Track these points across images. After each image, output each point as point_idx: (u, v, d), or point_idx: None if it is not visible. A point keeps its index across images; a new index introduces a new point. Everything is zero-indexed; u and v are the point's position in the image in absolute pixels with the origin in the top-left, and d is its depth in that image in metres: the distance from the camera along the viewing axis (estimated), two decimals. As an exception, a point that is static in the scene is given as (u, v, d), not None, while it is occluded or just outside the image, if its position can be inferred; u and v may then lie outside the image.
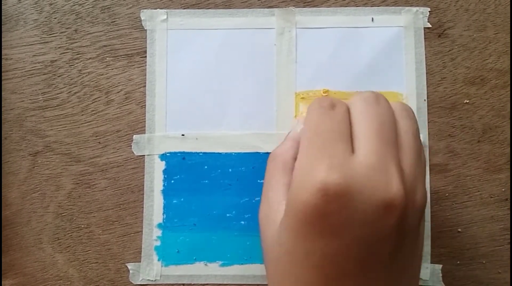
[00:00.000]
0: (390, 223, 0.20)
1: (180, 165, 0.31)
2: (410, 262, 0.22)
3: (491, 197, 0.30)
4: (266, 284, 0.30)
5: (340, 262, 0.20)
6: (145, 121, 0.31)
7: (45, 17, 0.32)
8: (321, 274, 0.20)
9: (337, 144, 0.21)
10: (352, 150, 0.21)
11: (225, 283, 0.30)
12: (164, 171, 0.31)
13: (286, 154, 0.24)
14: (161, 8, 0.32)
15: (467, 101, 0.31)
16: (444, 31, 0.31)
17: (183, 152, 0.31)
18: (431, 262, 0.30)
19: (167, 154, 0.31)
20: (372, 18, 0.31)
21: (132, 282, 0.30)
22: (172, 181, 0.31)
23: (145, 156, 0.31)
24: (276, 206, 0.23)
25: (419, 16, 0.31)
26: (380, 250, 0.20)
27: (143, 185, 0.31)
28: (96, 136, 0.31)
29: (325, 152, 0.20)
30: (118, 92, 0.31)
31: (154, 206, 0.30)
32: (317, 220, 0.20)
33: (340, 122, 0.21)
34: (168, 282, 0.30)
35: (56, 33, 0.32)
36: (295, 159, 0.23)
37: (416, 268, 0.23)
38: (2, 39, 0.32)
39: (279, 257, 0.22)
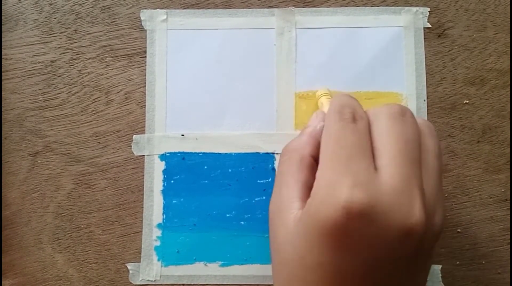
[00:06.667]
0: (408, 247, 0.20)
1: (180, 165, 0.31)
2: (420, 281, 0.22)
3: (491, 198, 0.30)
4: (266, 284, 0.30)
5: (352, 278, 0.20)
6: (145, 121, 0.31)
7: (45, 17, 0.32)
8: (332, 284, 0.20)
9: (360, 160, 0.20)
10: (375, 167, 0.20)
11: (225, 283, 0.30)
12: (164, 171, 0.31)
13: (303, 150, 0.23)
14: (161, 8, 0.32)
15: (467, 101, 0.31)
16: (444, 31, 0.31)
17: (183, 152, 0.31)
18: (431, 262, 0.30)
19: (167, 154, 0.31)
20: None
21: (132, 282, 0.30)
22: (172, 181, 0.31)
23: (145, 156, 0.31)
24: (288, 203, 0.22)
25: (419, 16, 0.31)
26: (393, 271, 0.20)
27: (143, 185, 0.31)
28: (96, 136, 0.31)
29: (349, 167, 0.20)
30: (118, 92, 0.31)
31: (154, 206, 0.30)
32: (336, 236, 0.19)
33: (362, 136, 0.21)
34: (168, 282, 0.30)
35: (56, 33, 0.32)
36: (311, 156, 0.23)
37: (423, 284, 0.23)
38: (2, 39, 0.32)
39: (290, 259, 0.21)
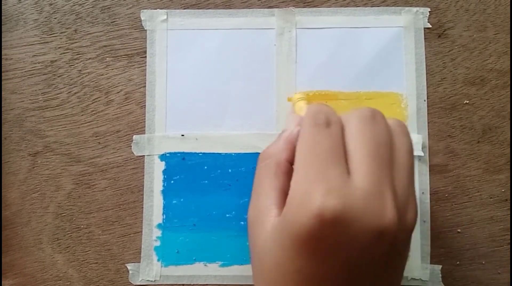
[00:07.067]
0: (381, 247, 0.20)
1: (180, 166, 0.31)
2: (395, 277, 0.23)
3: (491, 198, 0.30)
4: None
5: (329, 281, 0.20)
6: (145, 122, 0.31)
7: (45, 17, 0.32)
8: None
9: (333, 166, 0.20)
10: (348, 171, 0.21)
11: (224, 283, 0.30)
12: (164, 172, 0.31)
13: (279, 156, 0.24)
14: (161, 8, 0.32)
15: (467, 101, 0.31)
16: (444, 31, 0.31)
17: (183, 153, 0.31)
18: (431, 263, 0.30)
19: (167, 155, 0.31)
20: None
21: (132, 282, 0.30)
22: (172, 182, 0.31)
23: (145, 157, 0.31)
24: (266, 210, 0.23)
25: (419, 17, 0.31)
26: (368, 271, 0.21)
27: (143, 186, 0.31)
28: (96, 137, 0.31)
29: (322, 174, 0.20)
30: (118, 92, 0.31)
31: (154, 207, 0.30)
32: (311, 243, 0.20)
33: (336, 141, 0.21)
34: (168, 283, 0.30)
35: (56, 33, 0.32)
36: (288, 161, 0.23)
37: (399, 280, 0.23)
38: (2, 39, 0.32)
39: (268, 266, 0.22)
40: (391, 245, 0.20)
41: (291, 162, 0.23)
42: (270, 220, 0.22)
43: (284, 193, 0.22)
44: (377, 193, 0.20)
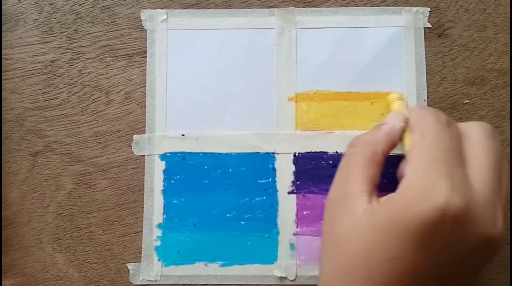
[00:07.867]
0: (483, 255, 0.21)
1: (180, 165, 0.31)
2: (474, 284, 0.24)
3: (491, 197, 0.30)
4: (266, 284, 0.30)
5: (420, 277, 0.21)
6: (145, 121, 0.31)
7: (45, 17, 0.32)
8: (399, 281, 0.21)
9: (457, 165, 0.21)
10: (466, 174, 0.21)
11: (225, 283, 0.30)
12: (164, 171, 0.31)
13: (376, 146, 0.23)
14: (161, 8, 0.32)
15: (467, 101, 0.31)
16: (444, 31, 0.31)
17: (183, 152, 0.31)
18: (431, 262, 0.30)
19: (167, 154, 0.31)
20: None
21: (132, 282, 0.30)
22: (172, 181, 0.31)
23: (145, 156, 0.31)
24: (356, 196, 0.22)
25: (419, 16, 0.31)
26: (464, 273, 0.21)
27: (143, 185, 0.31)
28: (96, 136, 0.31)
29: (448, 170, 0.20)
30: (118, 92, 0.31)
31: (154, 206, 0.30)
32: (424, 235, 0.20)
33: (457, 142, 0.22)
34: (168, 282, 0.30)
35: (56, 33, 0.32)
36: (384, 154, 0.23)
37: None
38: (2, 39, 0.32)
39: (353, 249, 0.22)
40: (489, 254, 0.21)
41: (385, 155, 0.24)
42: (361, 205, 0.22)
43: (373, 183, 0.23)
44: (492, 203, 0.21)
